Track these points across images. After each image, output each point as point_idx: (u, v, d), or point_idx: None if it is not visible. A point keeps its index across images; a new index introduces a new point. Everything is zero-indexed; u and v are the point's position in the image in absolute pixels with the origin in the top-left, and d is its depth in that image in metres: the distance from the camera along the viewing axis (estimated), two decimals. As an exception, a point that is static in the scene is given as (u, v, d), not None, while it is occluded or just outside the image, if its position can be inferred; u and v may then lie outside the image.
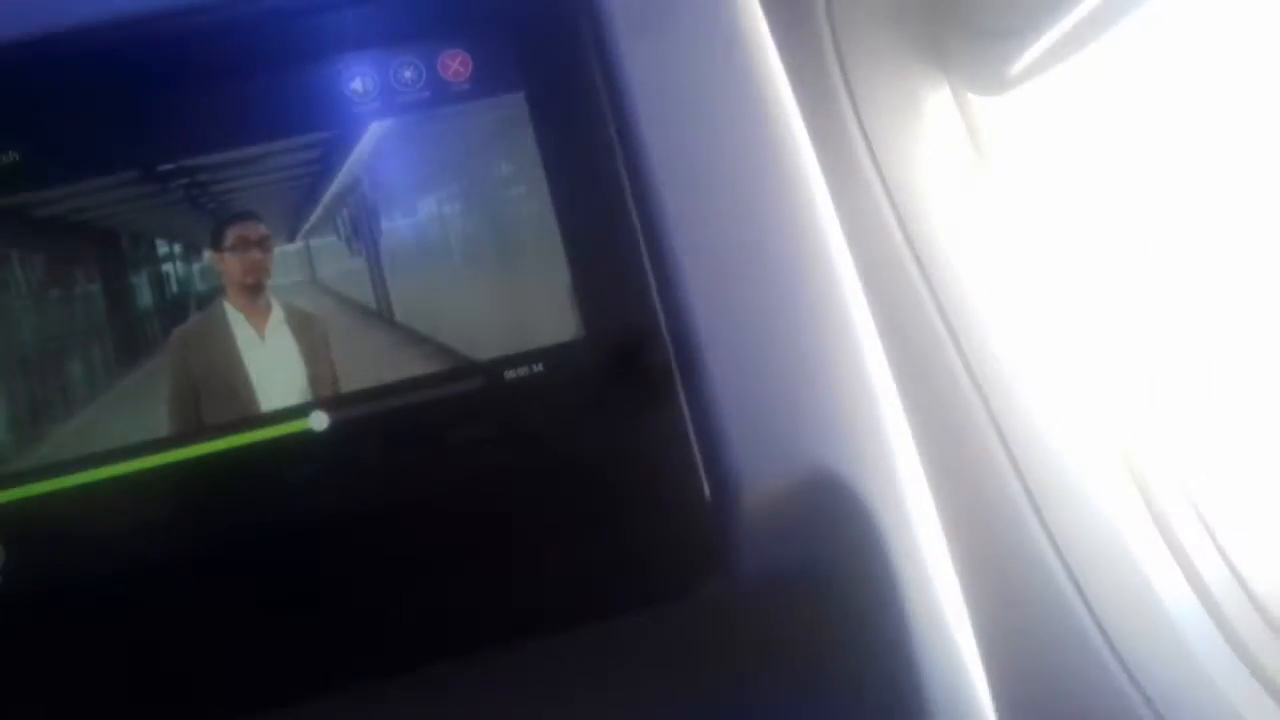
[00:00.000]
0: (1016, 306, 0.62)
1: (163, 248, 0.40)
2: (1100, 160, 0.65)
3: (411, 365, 0.40)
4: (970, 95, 0.66)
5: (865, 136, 0.66)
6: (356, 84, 0.41)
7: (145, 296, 0.40)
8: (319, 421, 0.40)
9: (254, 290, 0.40)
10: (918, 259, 0.63)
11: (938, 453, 0.50)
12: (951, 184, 0.65)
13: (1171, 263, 0.64)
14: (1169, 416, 0.62)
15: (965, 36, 0.63)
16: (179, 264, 0.40)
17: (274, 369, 0.40)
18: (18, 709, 0.39)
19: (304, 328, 0.40)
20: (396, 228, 0.41)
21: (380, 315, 0.41)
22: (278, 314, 0.40)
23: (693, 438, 0.41)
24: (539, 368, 0.41)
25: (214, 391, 0.40)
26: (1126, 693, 0.55)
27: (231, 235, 0.40)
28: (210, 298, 0.40)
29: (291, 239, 0.41)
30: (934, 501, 0.43)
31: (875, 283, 0.58)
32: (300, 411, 0.40)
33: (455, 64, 0.42)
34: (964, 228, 0.63)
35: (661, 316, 0.42)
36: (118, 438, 0.39)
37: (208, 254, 0.40)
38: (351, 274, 0.41)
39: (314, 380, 0.40)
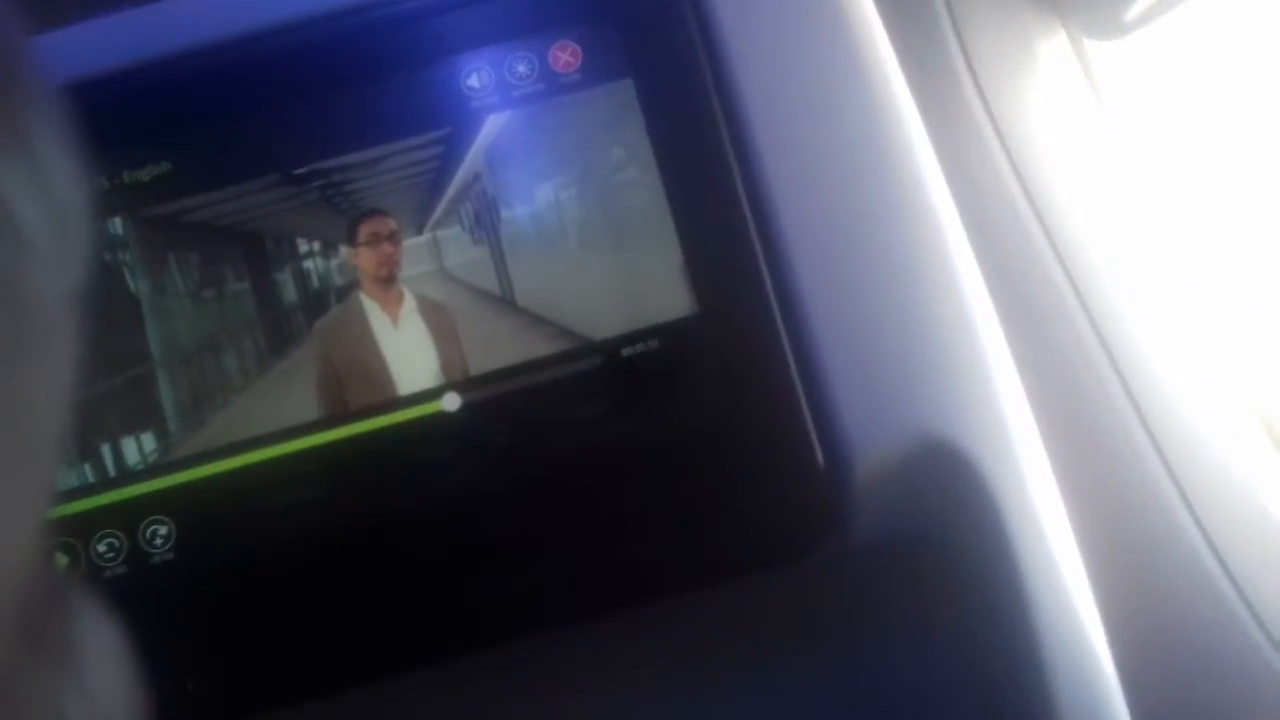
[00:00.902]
0: (1141, 259, 0.61)
1: (302, 246, 0.43)
2: (1227, 106, 0.63)
3: (534, 347, 0.42)
4: (1086, 41, 0.64)
5: (978, 87, 0.65)
6: (473, 80, 0.43)
7: (289, 292, 0.43)
8: (451, 402, 0.42)
9: (387, 281, 0.43)
10: (1036, 214, 0.62)
11: (1057, 413, 0.50)
12: (1070, 134, 0.63)
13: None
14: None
15: (1080, -20, 0.61)
16: (318, 260, 0.43)
17: (408, 355, 0.43)
18: (187, 666, 0.43)
19: (434, 315, 0.43)
20: (516, 216, 0.43)
21: (504, 300, 0.43)
22: (409, 303, 0.43)
23: (805, 406, 0.42)
24: (654, 344, 0.42)
25: (355, 377, 0.43)
26: (1259, 645, 0.54)
27: (364, 231, 0.43)
28: (347, 290, 0.43)
29: (420, 232, 0.43)
30: (1052, 464, 0.43)
31: (991, 240, 0.58)
32: (434, 394, 0.42)
33: (565, 55, 0.43)
34: (1085, 180, 0.62)
35: (772, 289, 0.43)
36: (271, 423, 0.42)
37: (343, 249, 0.43)
38: (476, 262, 0.43)
39: (445, 364, 0.42)
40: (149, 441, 0.42)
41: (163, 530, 0.42)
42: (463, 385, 0.42)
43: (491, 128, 0.43)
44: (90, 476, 0.42)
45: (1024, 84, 0.64)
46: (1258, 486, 0.56)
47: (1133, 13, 0.58)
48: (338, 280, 0.43)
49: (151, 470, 0.42)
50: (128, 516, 0.42)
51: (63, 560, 0.41)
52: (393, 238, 0.43)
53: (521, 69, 0.43)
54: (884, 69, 0.45)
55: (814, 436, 0.42)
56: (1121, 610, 0.44)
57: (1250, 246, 0.62)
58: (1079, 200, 0.62)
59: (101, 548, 0.41)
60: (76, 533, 0.41)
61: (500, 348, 0.43)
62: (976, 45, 0.65)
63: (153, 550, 0.41)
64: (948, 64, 0.65)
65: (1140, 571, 0.54)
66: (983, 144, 0.64)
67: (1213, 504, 0.56)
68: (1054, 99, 0.64)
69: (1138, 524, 0.55)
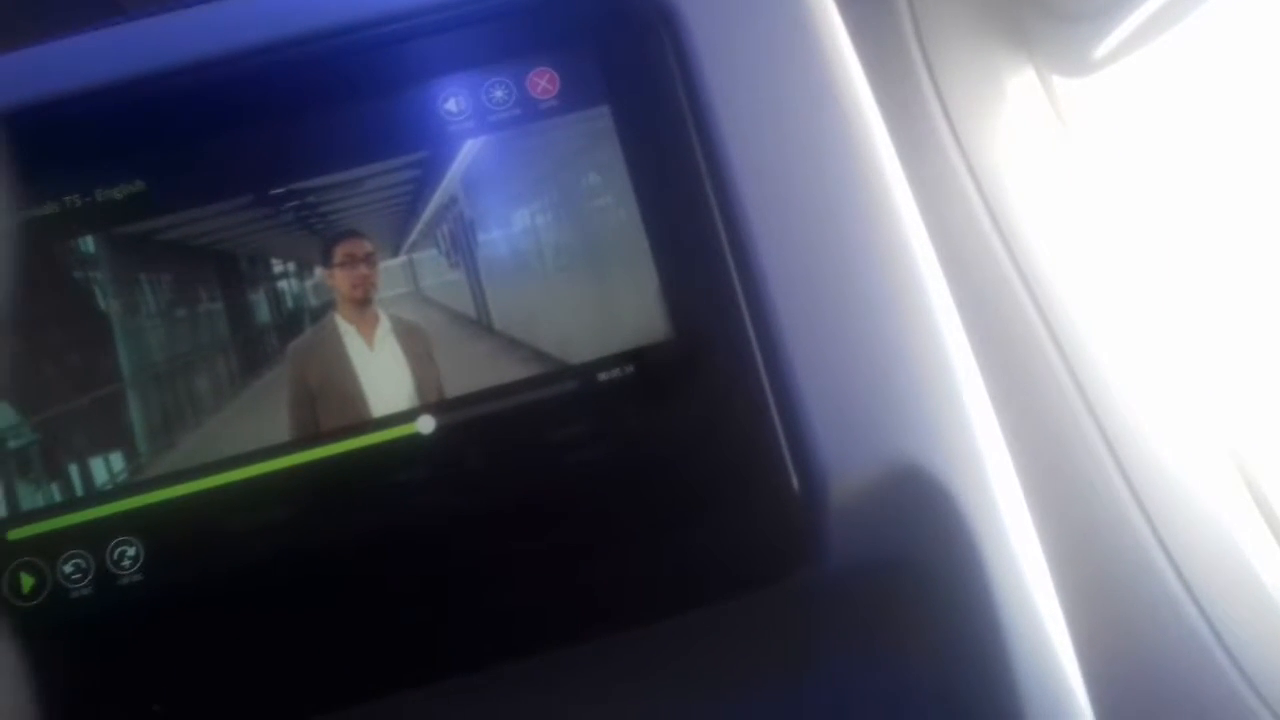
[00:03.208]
0: (1108, 291, 0.62)
1: (277, 266, 0.43)
2: (1192, 141, 0.64)
3: (510, 370, 0.42)
4: (1055, 78, 0.65)
5: (950, 122, 0.66)
6: (451, 105, 0.43)
7: (263, 312, 0.43)
8: (426, 425, 0.42)
9: (362, 303, 0.43)
10: (1006, 245, 0.63)
11: (1027, 440, 0.50)
12: (1039, 168, 0.64)
13: (1271, 245, 0.63)
14: (1266, 393, 0.61)
15: (1048, 20, 0.63)
16: (293, 281, 0.43)
17: (383, 377, 0.42)
18: (153, 688, 0.42)
19: (409, 337, 0.43)
20: (492, 240, 0.43)
21: (480, 323, 0.43)
22: (385, 325, 0.43)
23: (780, 431, 0.42)
24: (630, 369, 0.42)
25: (329, 399, 0.42)
26: (1226, 672, 0.55)
27: (340, 252, 0.43)
28: (322, 311, 0.43)
29: (396, 254, 0.43)
30: (1023, 490, 0.43)
31: (962, 270, 0.59)
32: (408, 416, 0.42)
33: (543, 82, 0.43)
34: (1052, 212, 0.63)
35: (747, 315, 0.43)
36: (243, 444, 0.42)
37: (319, 271, 0.43)
38: (452, 285, 0.43)
39: (420, 386, 0.42)
40: (118, 461, 0.42)
41: (130, 551, 0.41)
42: (438, 408, 0.42)
43: (469, 152, 0.43)
44: (57, 496, 0.41)
45: (994, 119, 0.65)
46: (1221, 511, 0.57)
47: (1100, 51, 0.59)
48: (312, 301, 0.43)
49: (120, 490, 0.41)
50: (95, 537, 0.41)
51: (29, 581, 0.40)
52: (368, 259, 0.43)
53: (499, 94, 0.44)
54: (859, 100, 0.45)
55: (789, 462, 0.42)
56: (1092, 633, 0.44)
57: (1217, 278, 0.63)
58: (1047, 232, 0.63)
59: (68, 568, 0.41)
60: (43, 553, 0.41)
61: (476, 371, 0.42)
62: (948, 81, 0.66)
63: (120, 572, 0.41)
64: (920, 100, 0.66)
65: (1109, 596, 0.55)
66: (954, 177, 0.65)
67: (1177, 526, 0.57)
68: (1023, 134, 0.65)
69: (1106, 548, 0.56)
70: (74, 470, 0.42)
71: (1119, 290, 0.62)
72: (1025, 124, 0.65)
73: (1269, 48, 0.61)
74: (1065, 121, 0.65)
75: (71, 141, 0.43)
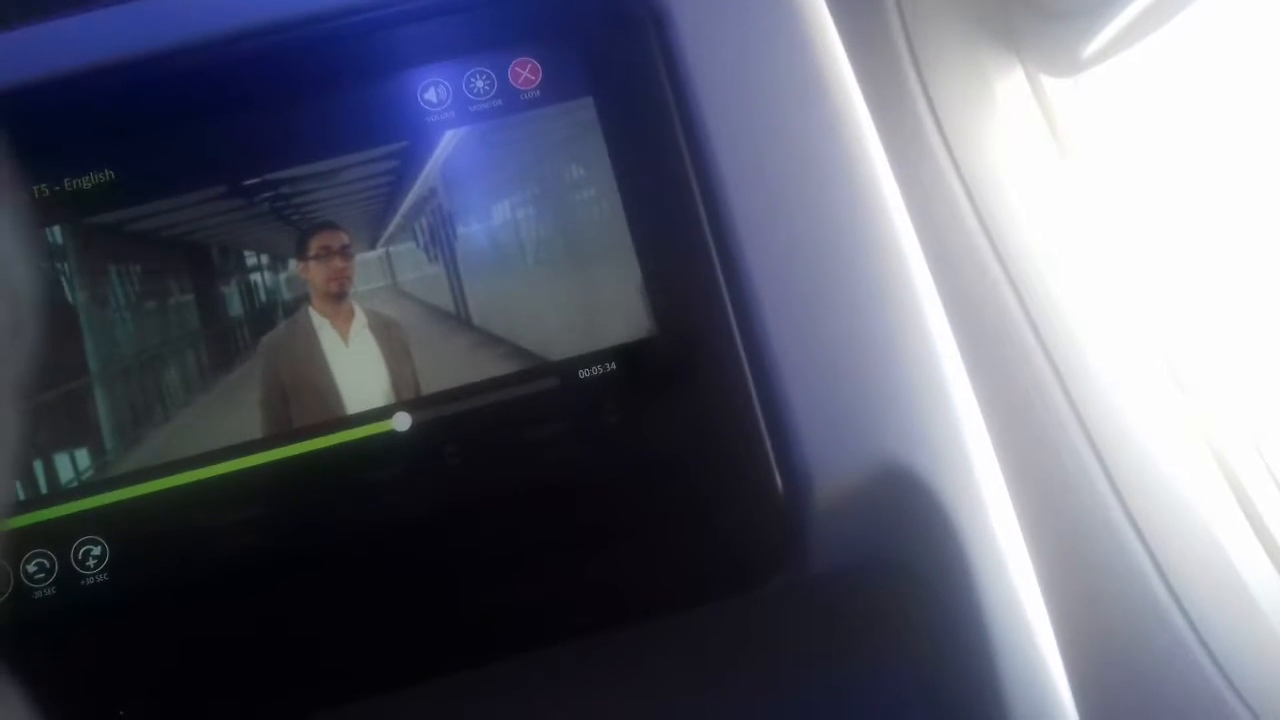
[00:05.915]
0: (1095, 291, 0.61)
1: (250, 259, 0.42)
2: (1180, 140, 0.63)
3: (489, 366, 0.41)
4: (1043, 77, 0.65)
5: (937, 121, 0.65)
6: (431, 95, 0.42)
7: (235, 305, 0.42)
8: (401, 422, 0.41)
9: (337, 297, 0.42)
10: (993, 245, 0.62)
11: (1014, 442, 0.49)
12: (1026, 168, 0.64)
13: (1256, 242, 0.63)
14: (1253, 397, 0.61)
15: (1036, 18, 0.62)
16: (266, 274, 0.42)
17: (358, 372, 0.41)
18: (118, 693, 0.41)
19: (386, 332, 0.42)
20: (472, 233, 0.42)
21: (458, 318, 0.42)
22: (360, 319, 0.42)
23: (764, 431, 0.41)
24: (611, 366, 0.41)
25: (302, 395, 0.41)
26: (1210, 677, 0.54)
27: (315, 245, 0.42)
28: (296, 305, 0.42)
29: (372, 247, 0.42)
30: (1009, 491, 0.43)
31: (950, 270, 0.58)
32: (384, 413, 0.41)
33: (525, 72, 0.43)
34: (1040, 212, 0.63)
35: (731, 313, 0.42)
36: (212, 441, 0.41)
37: (293, 263, 0.42)
38: (430, 279, 0.42)
39: (396, 383, 0.41)
40: (83, 458, 0.41)
41: (95, 551, 0.40)
42: (414, 404, 0.41)
43: (448, 143, 0.42)
44: (21, 494, 0.40)
45: (981, 119, 0.65)
46: (1206, 512, 0.57)
47: (1089, 51, 0.59)
48: (286, 294, 0.42)
49: (85, 488, 0.40)
50: (59, 536, 0.40)
51: (-10, 581, 0.39)
52: (344, 252, 0.42)
53: (480, 85, 0.43)
54: (847, 96, 0.45)
55: (773, 462, 0.41)
56: (1077, 637, 0.43)
57: (1204, 277, 0.63)
58: (1034, 233, 0.62)
59: (31, 568, 0.40)
60: (5, 552, 0.39)
61: (454, 367, 0.41)
62: (936, 80, 0.65)
63: (84, 571, 0.40)
64: (907, 99, 0.65)
65: (1094, 599, 0.54)
66: (941, 176, 0.64)
67: (1162, 529, 0.56)
68: (1011, 134, 0.65)
69: (1090, 551, 0.55)
70: (38, 467, 0.40)
71: (1106, 291, 0.61)
72: (1013, 123, 0.65)
73: (1258, 46, 0.60)
74: (1054, 122, 0.64)
75: (41, 129, 0.42)
